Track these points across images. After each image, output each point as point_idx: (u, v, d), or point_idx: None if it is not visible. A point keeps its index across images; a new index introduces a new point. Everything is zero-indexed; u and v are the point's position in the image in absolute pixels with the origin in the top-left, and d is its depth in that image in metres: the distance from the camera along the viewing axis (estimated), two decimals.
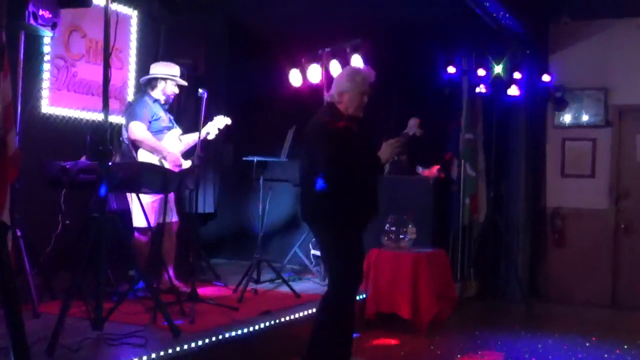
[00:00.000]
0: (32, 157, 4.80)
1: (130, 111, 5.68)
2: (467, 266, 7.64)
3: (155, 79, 5.76)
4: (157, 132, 5.69)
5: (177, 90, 5.83)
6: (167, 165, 5.63)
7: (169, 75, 5.76)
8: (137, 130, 5.56)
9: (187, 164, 5.82)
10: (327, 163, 4.09)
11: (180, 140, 5.84)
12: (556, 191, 8.15)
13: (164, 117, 5.77)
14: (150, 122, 5.64)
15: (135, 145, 5.60)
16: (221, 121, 5.89)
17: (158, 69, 5.80)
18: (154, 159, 5.59)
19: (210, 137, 5.88)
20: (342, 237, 4.19)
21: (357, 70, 4.53)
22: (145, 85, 5.81)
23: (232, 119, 6.00)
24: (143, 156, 5.60)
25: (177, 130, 5.85)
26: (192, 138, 5.81)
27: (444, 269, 6.49)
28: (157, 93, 5.76)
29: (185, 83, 5.91)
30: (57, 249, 5.34)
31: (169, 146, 5.72)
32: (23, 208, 4.76)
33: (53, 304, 4.74)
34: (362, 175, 4.25)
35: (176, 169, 5.70)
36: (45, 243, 5.33)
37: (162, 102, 5.79)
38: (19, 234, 4.60)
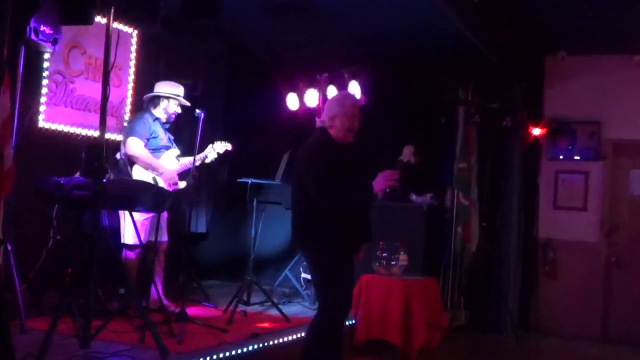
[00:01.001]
0: (26, 172, 4.79)
1: (129, 127, 5.73)
2: (457, 295, 7.63)
3: (158, 97, 5.82)
4: (155, 151, 5.72)
5: (179, 110, 5.87)
6: (161, 183, 5.65)
7: (172, 95, 5.81)
8: (134, 146, 5.60)
9: (182, 184, 5.84)
10: (317, 188, 4.09)
11: (178, 160, 5.86)
12: (548, 223, 8.16)
13: (163, 136, 5.79)
14: (147, 139, 5.67)
15: (131, 161, 5.63)
16: (221, 147, 5.93)
17: (162, 87, 5.85)
18: (147, 176, 5.61)
19: (208, 160, 5.91)
20: (332, 263, 4.18)
21: (346, 95, 4.64)
22: (148, 102, 5.85)
23: (228, 140, 6.03)
24: (137, 172, 5.62)
25: (175, 151, 5.87)
26: (189, 160, 5.81)
27: (434, 297, 6.48)
28: (159, 111, 5.80)
29: (188, 103, 5.94)
30: (47, 265, 5.31)
31: (165, 164, 5.74)
32: (15, 222, 4.75)
33: (41, 320, 4.71)
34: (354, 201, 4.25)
35: (171, 188, 5.72)
36: (36, 258, 5.31)
37: (164, 120, 5.83)
38: (9, 248, 4.58)
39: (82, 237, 4.25)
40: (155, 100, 5.82)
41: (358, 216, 4.27)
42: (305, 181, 4.17)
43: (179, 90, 5.88)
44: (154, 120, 5.77)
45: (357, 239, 4.31)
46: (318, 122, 4.40)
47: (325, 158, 4.14)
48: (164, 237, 5.82)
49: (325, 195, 4.07)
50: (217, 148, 5.92)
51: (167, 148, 5.82)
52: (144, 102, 5.95)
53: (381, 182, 4.26)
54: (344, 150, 4.29)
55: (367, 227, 4.35)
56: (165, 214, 5.77)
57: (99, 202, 4.28)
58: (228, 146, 5.98)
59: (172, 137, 5.96)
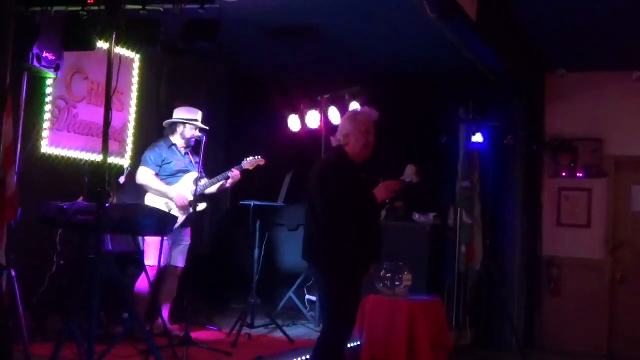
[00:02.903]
0: (30, 197, 4.80)
1: (142, 157, 5.90)
2: (462, 314, 7.59)
3: (175, 124, 5.92)
4: (169, 176, 5.84)
5: (197, 134, 5.90)
6: (174, 208, 5.70)
7: (187, 120, 5.88)
8: (141, 175, 5.80)
9: (202, 206, 5.87)
10: (325, 207, 4.10)
11: (197, 183, 5.87)
12: (552, 240, 8.14)
13: (179, 162, 5.87)
14: (160, 166, 5.80)
15: (144, 189, 5.80)
16: (251, 163, 5.99)
17: (179, 113, 5.97)
18: (160, 202, 5.70)
19: (231, 181, 5.94)
20: (341, 281, 4.18)
21: (358, 111, 4.58)
22: (167, 129, 6.00)
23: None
24: (149, 200, 5.77)
25: (194, 174, 5.88)
26: (208, 181, 5.91)
27: (439, 317, 6.45)
28: (176, 137, 5.93)
29: (206, 127, 5.97)
30: (51, 290, 5.31)
31: (177, 189, 5.78)
32: (18, 247, 4.76)
33: (45, 346, 4.70)
34: (366, 219, 4.26)
35: (185, 211, 5.75)
36: (40, 283, 5.31)
37: (183, 145, 5.91)
38: (13, 274, 4.58)
39: (84, 262, 4.24)
40: (173, 126, 5.96)
41: (369, 235, 4.27)
42: (314, 199, 4.17)
43: (196, 115, 5.97)
44: (169, 147, 5.87)
45: (367, 258, 4.32)
46: (333, 141, 4.40)
47: (337, 178, 4.15)
48: (182, 262, 5.85)
49: (332, 215, 4.08)
50: (247, 165, 5.99)
51: (186, 172, 5.88)
52: (164, 129, 6.05)
53: (383, 192, 4.25)
54: (357, 170, 4.30)
55: (378, 247, 4.35)
56: (189, 240, 5.83)
57: (101, 226, 4.28)
58: (261, 161, 6.08)
59: (196, 160, 5.93)
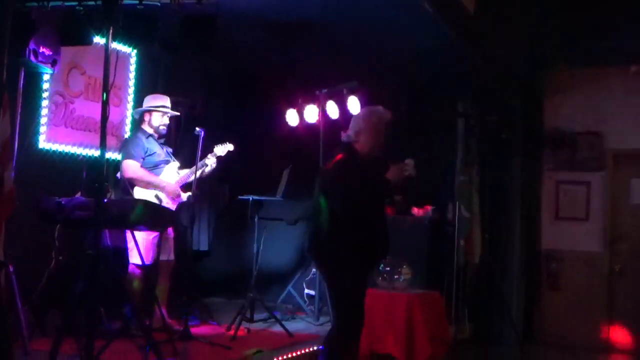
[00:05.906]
0: (28, 193, 4.79)
1: (123, 149, 5.72)
2: (461, 308, 7.59)
3: (143, 113, 5.80)
4: (154, 167, 5.72)
5: (166, 121, 5.82)
6: (164, 199, 5.65)
7: (153, 107, 5.77)
8: (129, 168, 5.59)
9: (185, 196, 5.82)
10: (342, 200, 4.11)
11: (179, 173, 5.85)
12: (550, 234, 8.15)
13: (160, 152, 5.78)
14: (143, 158, 5.65)
15: (131, 183, 5.62)
16: (222, 149, 5.89)
17: (146, 102, 5.84)
18: (150, 195, 5.60)
19: (208, 169, 5.86)
20: (349, 277, 4.20)
21: (373, 110, 4.55)
22: (139, 120, 5.86)
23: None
24: (139, 193, 5.62)
25: (175, 164, 5.86)
26: (190, 170, 5.80)
27: (438, 311, 6.45)
28: (147, 127, 5.78)
29: (175, 113, 5.91)
30: (50, 285, 5.31)
31: (166, 179, 5.73)
32: (16, 243, 4.75)
33: (44, 341, 4.70)
34: (375, 216, 4.27)
35: (175, 201, 5.72)
36: (38, 279, 5.30)
37: (156, 135, 5.81)
38: (11, 270, 4.58)
39: (83, 257, 4.23)
40: (142, 115, 5.81)
41: (377, 230, 4.29)
42: (328, 194, 4.17)
43: (162, 101, 5.83)
44: (147, 137, 5.75)
45: (375, 253, 4.32)
46: (344, 136, 4.40)
47: (350, 177, 4.16)
48: (171, 255, 5.83)
49: (349, 212, 4.08)
50: (219, 152, 5.85)
51: (167, 162, 5.81)
52: (136, 120, 5.97)
53: (396, 172, 4.26)
54: (368, 166, 4.30)
55: (386, 241, 4.35)
56: (171, 233, 5.79)
57: (100, 222, 4.28)
58: (230, 146, 5.91)
59: (170, 151, 5.94)
